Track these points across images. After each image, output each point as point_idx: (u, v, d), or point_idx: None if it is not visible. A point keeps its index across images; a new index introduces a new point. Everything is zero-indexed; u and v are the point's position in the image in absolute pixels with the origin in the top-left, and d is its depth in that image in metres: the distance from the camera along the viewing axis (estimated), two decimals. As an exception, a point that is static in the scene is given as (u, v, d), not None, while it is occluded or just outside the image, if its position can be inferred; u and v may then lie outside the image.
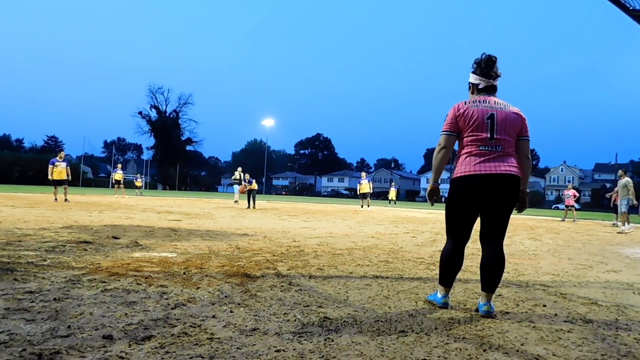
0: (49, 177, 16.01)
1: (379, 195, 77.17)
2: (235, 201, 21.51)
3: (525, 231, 11.27)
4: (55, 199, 15.25)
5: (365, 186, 21.22)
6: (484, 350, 2.21)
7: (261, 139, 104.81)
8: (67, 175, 16.23)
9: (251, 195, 18.11)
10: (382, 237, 7.86)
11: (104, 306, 2.64)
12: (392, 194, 31.21)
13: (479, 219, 2.99)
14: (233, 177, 21.94)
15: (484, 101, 2.97)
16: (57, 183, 16.00)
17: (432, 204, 3.19)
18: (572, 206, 18.97)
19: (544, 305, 3.24)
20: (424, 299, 3.26)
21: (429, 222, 13.31)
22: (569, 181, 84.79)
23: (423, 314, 2.84)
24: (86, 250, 4.73)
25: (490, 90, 3.05)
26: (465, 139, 2.98)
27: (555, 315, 2.98)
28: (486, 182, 2.84)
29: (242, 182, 19.71)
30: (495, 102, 2.98)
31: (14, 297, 2.74)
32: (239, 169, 21.88)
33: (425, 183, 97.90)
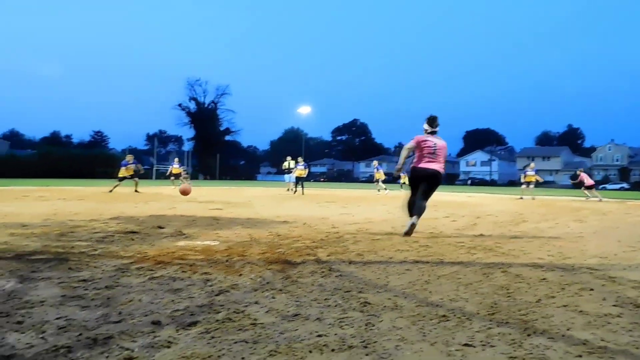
0: (119, 175, 17.95)
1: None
2: (288, 189, 21.87)
3: (569, 213, 10.91)
4: (110, 191, 16.61)
5: (380, 173, 23.56)
6: (528, 335, 2.17)
7: (298, 126, 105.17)
8: (138, 172, 18.51)
9: (300, 182, 18.46)
10: (422, 221, 7.78)
11: (151, 293, 2.75)
12: (404, 178, 30.93)
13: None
14: (283, 166, 22.33)
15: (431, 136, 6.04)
16: (123, 179, 17.98)
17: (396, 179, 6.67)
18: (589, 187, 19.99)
19: (591, 289, 3.13)
20: (465, 283, 3.22)
21: (468, 205, 13.08)
22: (617, 160, 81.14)
23: (464, 299, 2.81)
24: (133, 240, 4.91)
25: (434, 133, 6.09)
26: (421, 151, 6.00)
27: (604, 299, 2.88)
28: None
29: (290, 169, 20.08)
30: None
31: (69, 285, 2.89)
32: (288, 158, 22.22)
33: (465, 166, 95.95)
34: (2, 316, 2.25)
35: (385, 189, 22.78)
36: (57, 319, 2.23)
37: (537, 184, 20.28)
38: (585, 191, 20.30)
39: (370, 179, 24.15)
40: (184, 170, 35.70)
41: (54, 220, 6.64)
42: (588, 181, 19.87)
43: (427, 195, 6.01)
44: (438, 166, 5.94)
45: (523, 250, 4.79)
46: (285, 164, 22.11)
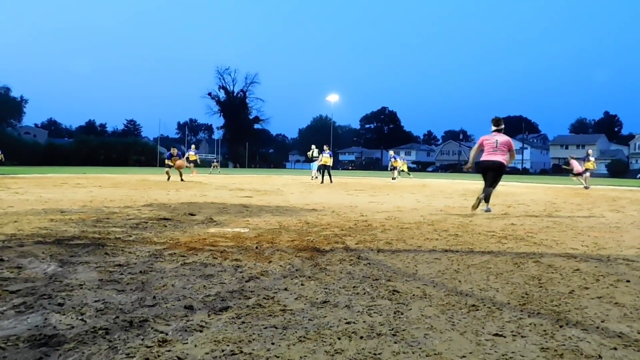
0: (168, 163, 18.48)
1: (447, 167, 75.16)
2: (315, 177, 21.90)
3: (606, 202, 10.57)
4: (168, 179, 17.71)
5: (397, 162, 23.98)
6: (561, 327, 2.13)
7: (326, 114, 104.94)
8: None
9: (326, 170, 18.37)
10: (452, 210, 7.70)
11: (184, 279, 2.82)
12: (404, 165, 30.59)
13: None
14: (310, 155, 22.29)
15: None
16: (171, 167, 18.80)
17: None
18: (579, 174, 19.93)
19: (628, 281, 3.05)
20: (496, 272, 3.18)
21: (499, 194, 12.83)
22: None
23: (495, 289, 2.77)
24: (166, 226, 5.03)
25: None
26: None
27: (641, 291, 2.80)
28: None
29: (318, 156, 20.13)
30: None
31: (105, 269, 3.00)
32: (313, 146, 22.22)
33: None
34: (44, 298, 2.35)
35: (394, 178, 22.91)
36: (95, 301, 2.32)
37: (576, 174, 19.92)
38: (574, 178, 20.60)
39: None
40: (215, 159, 36.37)
41: (91, 206, 6.86)
42: (577, 169, 20.14)
43: (493, 182, 7.15)
44: (500, 158, 7.07)
45: (556, 240, 4.69)
46: (310, 153, 22.12)
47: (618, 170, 64.97)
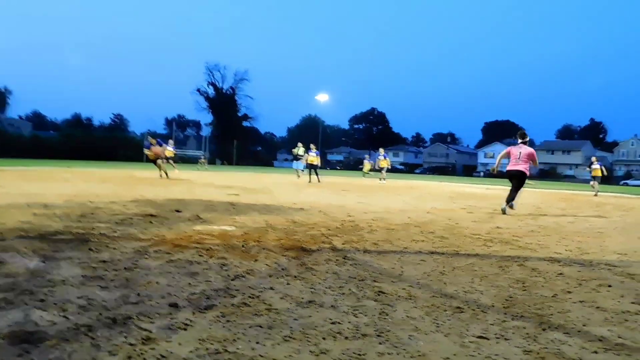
0: (148, 153, 16.52)
1: (435, 170, 75.67)
2: (298, 176, 21.72)
3: (591, 208, 10.73)
4: (161, 175, 15.74)
5: (382, 161, 23.17)
6: (543, 330, 2.15)
7: (316, 114, 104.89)
8: (167, 160, 17.76)
9: (313, 170, 18.31)
10: (439, 212, 7.75)
11: (169, 276, 2.80)
12: (367, 167, 30.61)
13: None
14: (295, 153, 22.02)
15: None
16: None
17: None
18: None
19: (610, 286, 3.09)
20: (481, 275, 3.21)
21: (487, 198, 12.95)
22: (640, 155, 79.35)
23: (480, 291, 2.80)
24: (152, 223, 4.99)
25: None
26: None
27: (622, 296, 2.84)
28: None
29: (303, 155, 19.86)
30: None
31: (89, 265, 2.96)
32: (299, 144, 22.06)
33: (483, 158, 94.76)
34: (26, 293, 2.32)
35: (384, 179, 22.52)
36: (78, 298, 2.29)
37: (561, 178, 20.10)
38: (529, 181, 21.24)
39: (388, 169, 23.33)
40: (202, 155, 36.14)
41: (76, 201, 6.78)
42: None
43: (517, 187, 8.34)
44: (522, 167, 8.26)
45: (540, 244, 4.74)
46: (295, 150, 21.88)
47: (603, 176, 65.88)
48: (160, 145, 16.37)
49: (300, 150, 21.60)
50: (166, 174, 15.81)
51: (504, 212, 8.04)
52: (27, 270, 2.77)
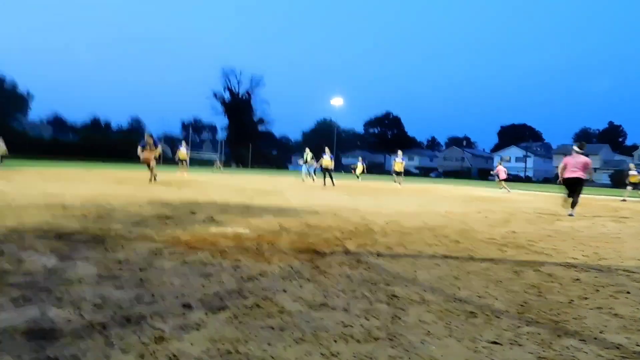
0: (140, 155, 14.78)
1: (450, 173, 75.14)
2: (303, 180, 21.87)
3: (607, 213, 10.55)
4: (151, 179, 14.34)
5: (399, 164, 22.80)
6: (558, 336, 2.12)
7: (330, 117, 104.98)
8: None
9: (327, 173, 18.34)
10: (453, 216, 7.68)
11: (183, 277, 2.82)
12: (359, 169, 30.34)
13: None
14: (305, 157, 22.31)
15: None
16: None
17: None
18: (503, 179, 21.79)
19: (628, 292, 3.04)
20: (495, 280, 3.18)
21: (502, 201, 12.81)
22: (640, 161, 77.62)
23: (494, 296, 2.77)
24: (167, 224, 5.04)
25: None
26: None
27: (641, 303, 2.79)
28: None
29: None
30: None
31: (105, 265, 3.00)
32: (307, 149, 22.25)
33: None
34: (43, 291, 2.36)
35: (395, 181, 22.38)
36: (93, 296, 2.32)
37: (500, 179, 21.31)
38: (501, 183, 22.21)
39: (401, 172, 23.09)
40: (218, 159, 36.45)
41: (93, 202, 6.88)
42: (502, 175, 22.16)
43: (575, 193, 9.39)
44: (578, 174, 9.30)
45: (556, 249, 4.68)
46: (304, 155, 22.16)
47: (621, 180, 64.78)
48: (156, 145, 14.95)
49: (308, 156, 21.86)
50: (155, 178, 14.29)
51: (570, 215, 9.19)
52: (44, 269, 2.82)
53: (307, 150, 22.33)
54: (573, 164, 9.55)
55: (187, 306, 2.27)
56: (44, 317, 2.01)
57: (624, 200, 17.41)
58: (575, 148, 9.87)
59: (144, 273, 2.86)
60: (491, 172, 25.77)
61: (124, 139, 57.58)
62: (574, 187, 9.48)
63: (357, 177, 29.42)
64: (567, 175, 9.65)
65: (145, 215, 5.72)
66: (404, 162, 23.17)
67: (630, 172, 18.65)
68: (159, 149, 20.97)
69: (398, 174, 22.69)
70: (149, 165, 14.50)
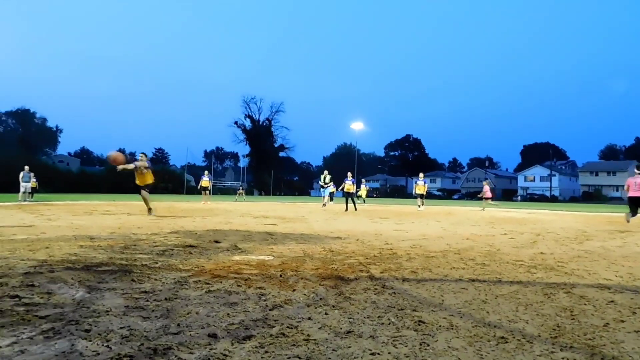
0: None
1: (473, 195, 74.23)
2: (324, 204, 21.87)
3: (639, 230, 10.21)
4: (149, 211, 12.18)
5: (420, 187, 22.79)
6: (596, 361, 2.04)
7: (351, 142, 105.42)
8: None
9: (349, 198, 18.34)
10: (478, 238, 7.55)
11: (208, 306, 2.82)
12: (363, 191, 29.97)
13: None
14: (322, 181, 22.41)
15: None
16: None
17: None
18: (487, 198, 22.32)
19: (667, 314, 2.91)
20: (525, 303, 3.09)
21: (528, 222, 12.54)
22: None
23: (525, 320, 2.69)
24: (191, 253, 5.08)
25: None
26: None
27: (682, 325, 2.67)
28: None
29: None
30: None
31: (131, 296, 3.03)
32: (325, 172, 22.37)
33: (523, 182, 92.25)
34: (72, 324, 2.39)
35: (422, 204, 22.30)
36: (120, 328, 2.34)
37: (607, 200, 19.63)
38: (484, 202, 22.68)
39: (425, 195, 22.95)
40: (240, 187, 36.78)
41: (119, 233, 6.99)
42: (487, 194, 22.61)
43: (637, 210, 11.58)
44: None
45: (588, 270, 4.54)
46: (322, 178, 22.24)
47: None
48: (138, 167, 12.07)
49: (327, 178, 21.98)
50: (150, 212, 11.94)
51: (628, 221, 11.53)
52: (73, 301, 2.86)
53: (326, 172, 22.46)
54: (634, 184, 11.37)
55: (213, 336, 2.26)
56: (72, 350, 2.03)
57: None
58: (636, 170, 11.78)
59: (170, 303, 2.87)
60: (478, 195, 25.70)
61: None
62: (637, 205, 11.46)
63: (363, 200, 29.19)
64: (632, 194, 11.52)
65: (169, 244, 5.78)
66: (426, 185, 23.14)
67: (418, 182, 19.24)
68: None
69: (421, 196, 22.60)
70: (140, 192, 12.03)
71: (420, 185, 22.77)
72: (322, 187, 22.57)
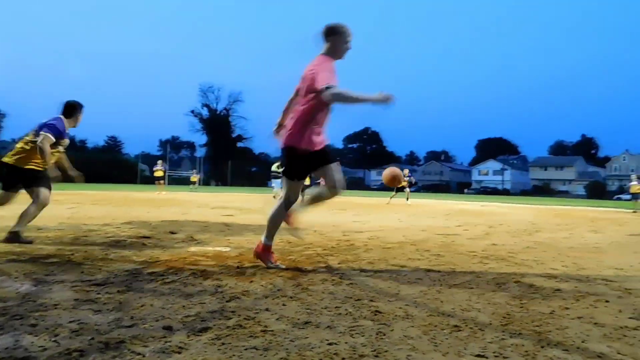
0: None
1: (430, 187, 75.89)
2: (274, 196, 21.45)
3: (585, 223, 10.76)
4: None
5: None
6: (542, 347, 2.13)
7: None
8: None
9: (305, 189, 18.27)
10: (434, 230, 7.73)
11: (163, 298, 2.76)
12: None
13: None
14: (273, 170, 21.38)
15: None
16: None
17: None
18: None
19: (607, 301, 3.08)
20: (478, 293, 3.19)
21: (482, 214, 12.97)
22: (632, 170, 80.00)
23: (477, 309, 2.77)
24: (145, 244, 4.94)
25: None
26: None
27: (620, 311, 2.83)
28: None
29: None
30: None
31: (82, 288, 2.92)
32: (277, 163, 21.95)
33: (478, 175, 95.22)
34: (16, 318, 2.28)
35: (391, 198, 22.26)
36: (70, 322, 2.25)
37: (555, 193, 19.97)
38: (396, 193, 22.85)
39: (383, 187, 23.08)
40: (194, 171, 35.82)
41: (69, 223, 6.72)
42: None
43: None
44: None
45: (537, 261, 4.74)
46: (274, 167, 21.21)
47: (596, 191, 66.44)
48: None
49: (278, 167, 21.31)
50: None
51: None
52: (18, 295, 2.73)
53: (277, 163, 21.87)
54: None
55: (168, 329, 2.21)
56: (17, 346, 1.93)
57: (635, 212, 17.41)
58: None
59: (123, 295, 2.79)
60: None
61: (100, 158, 56.77)
62: None
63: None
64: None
65: (123, 235, 5.60)
66: (411, 177, 23.31)
67: (631, 183, 18.75)
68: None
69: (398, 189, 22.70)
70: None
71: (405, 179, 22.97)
72: (274, 176, 21.36)
